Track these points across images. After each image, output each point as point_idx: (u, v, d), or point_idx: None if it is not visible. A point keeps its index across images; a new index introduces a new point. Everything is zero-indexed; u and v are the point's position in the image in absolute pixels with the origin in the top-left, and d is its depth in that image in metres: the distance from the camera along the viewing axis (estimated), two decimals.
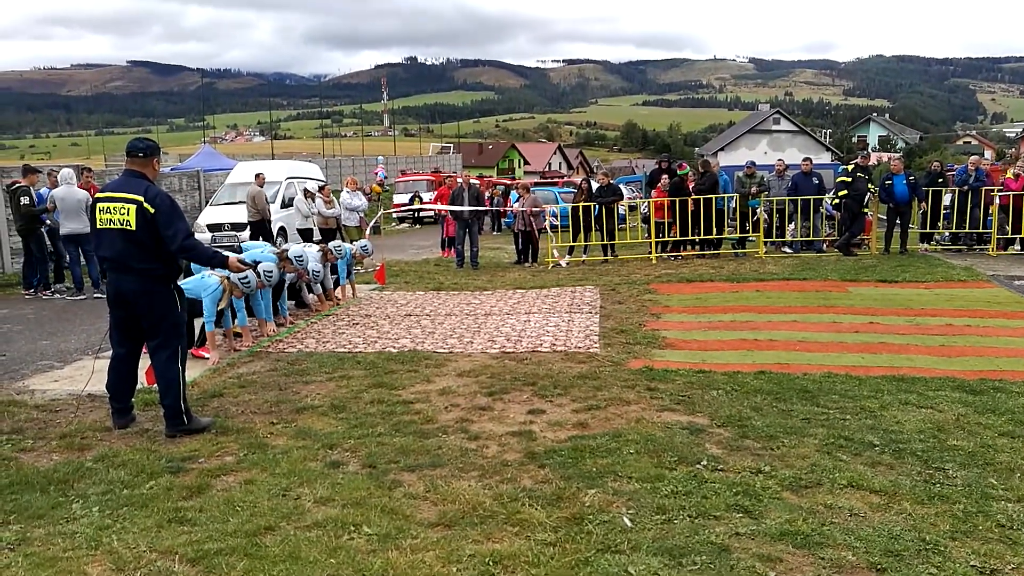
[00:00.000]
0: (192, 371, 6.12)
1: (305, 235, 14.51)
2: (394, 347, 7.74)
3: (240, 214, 17.08)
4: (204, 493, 4.22)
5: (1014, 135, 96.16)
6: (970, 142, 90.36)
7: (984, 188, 13.53)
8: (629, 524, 3.76)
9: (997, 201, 13.28)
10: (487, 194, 18.75)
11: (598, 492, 4.12)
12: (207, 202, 19.46)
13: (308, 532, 3.72)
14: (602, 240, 14.32)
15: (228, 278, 7.16)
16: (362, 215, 16.14)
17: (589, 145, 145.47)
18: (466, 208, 14.02)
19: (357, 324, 8.95)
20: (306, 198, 14.64)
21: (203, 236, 15.42)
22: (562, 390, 6.09)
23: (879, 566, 3.35)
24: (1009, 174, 13.82)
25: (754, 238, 14.12)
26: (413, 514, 3.92)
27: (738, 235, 14.29)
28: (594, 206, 14.22)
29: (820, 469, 4.41)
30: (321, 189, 15.51)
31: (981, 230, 13.74)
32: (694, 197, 13.53)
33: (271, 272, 7.73)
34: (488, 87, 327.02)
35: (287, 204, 17.08)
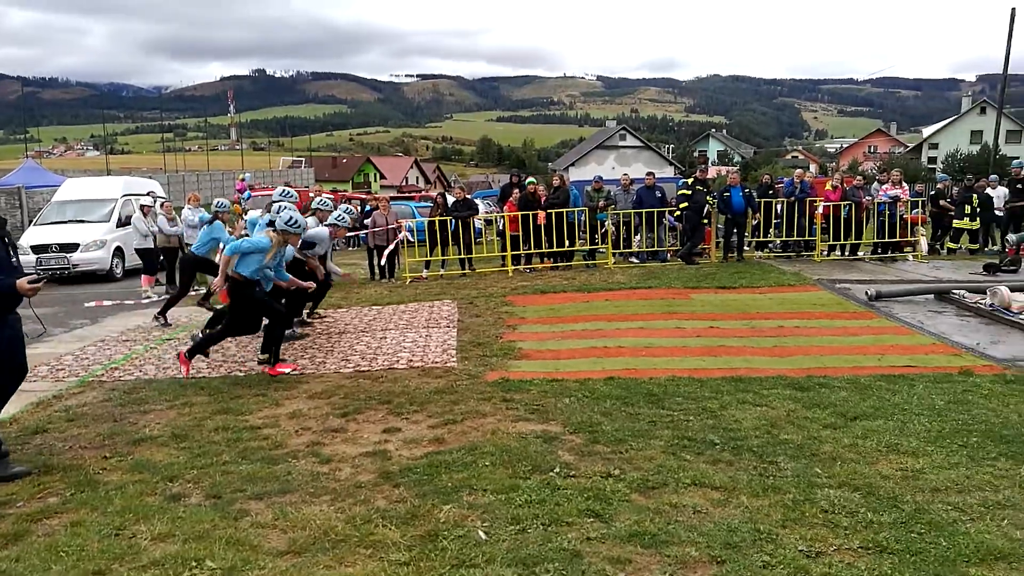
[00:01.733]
0: (13, 406, 5.61)
1: (145, 255, 13.66)
2: (241, 370, 7.41)
3: (70, 234, 15.90)
4: (22, 540, 3.86)
5: (834, 150, 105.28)
6: (797, 156, 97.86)
7: (808, 199, 14.65)
8: (484, 537, 3.76)
9: (820, 210, 14.43)
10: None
11: (453, 507, 4.10)
12: (30, 221, 17.96)
13: (144, 572, 3.48)
14: (459, 254, 14.37)
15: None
16: None
17: (446, 159, 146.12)
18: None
19: None
20: (145, 215, 13.78)
21: (27, 258, 14.17)
22: (418, 406, 6.03)
23: (719, 559, 3.53)
24: (828, 186, 15.08)
25: (603, 250, 14.60)
26: (261, 544, 3.75)
27: (588, 247, 14.74)
28: (450, 220, 14.26)
29: (666, 470, 4.60)
30: (161, 205, 14.66)
31: (807, 237, 14.86)
32: (546, 211, 13.85)
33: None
34: (341, 100, 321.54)
35: (123, 223, 16.05)
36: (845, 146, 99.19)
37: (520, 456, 4.83)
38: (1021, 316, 8.83)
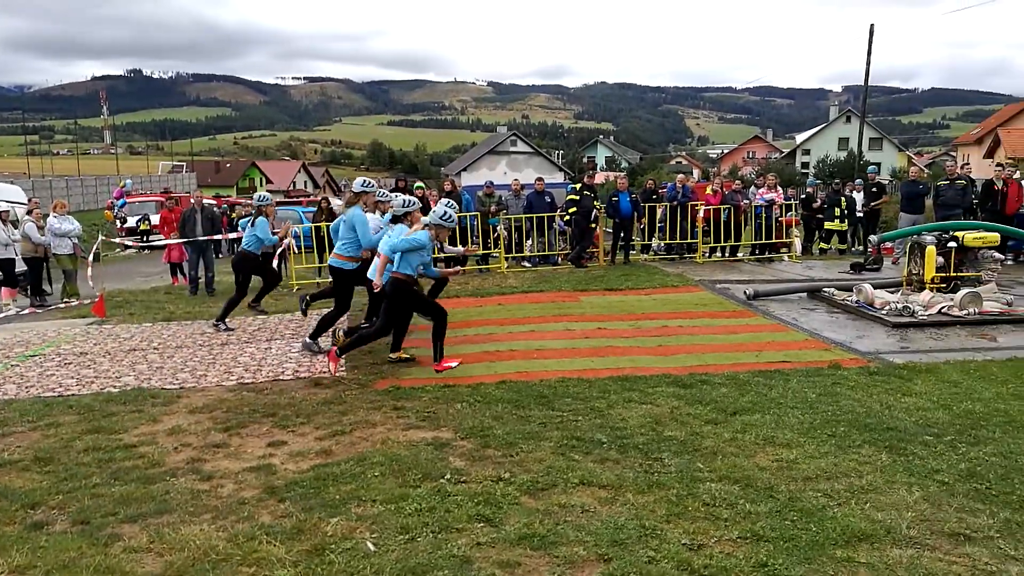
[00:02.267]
0: None
1: (5, 266, 12.74)
2: (115, 386, 7.01)
3: None
4: None
5: (716, 155, 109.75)
6: (681, 162, 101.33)
7: (690, 203, 15.20)
8: (372, 548, 3.70)
9: (701, 214, 15.01)
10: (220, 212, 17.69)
11: (341, 520, 4.01)
12: None
13: None
14: None
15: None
16: (75, 241, 14.50)
17: (335, 163, 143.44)
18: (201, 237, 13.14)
19: (70, 364, 8.01)
20: (4, 223, 12.86)
21: None
22: (305, 418, 5.88)
23: (606, 556, 3.60)
24: (708, 190, 15.71)
25: (496, 254, 14.68)
26: (134, 569, 3.56)
27: (481, 252, 14.79)
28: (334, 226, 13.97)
29: (555, 470, 4.66)
30: (29, 212, 13.73)
31: (690, 240, 15.41)
32: None
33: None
34: (224, 103, 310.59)
35: None
36: (726, 152, 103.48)
37: (410, 464, 4.78)
38: (883, 312, 9.44)
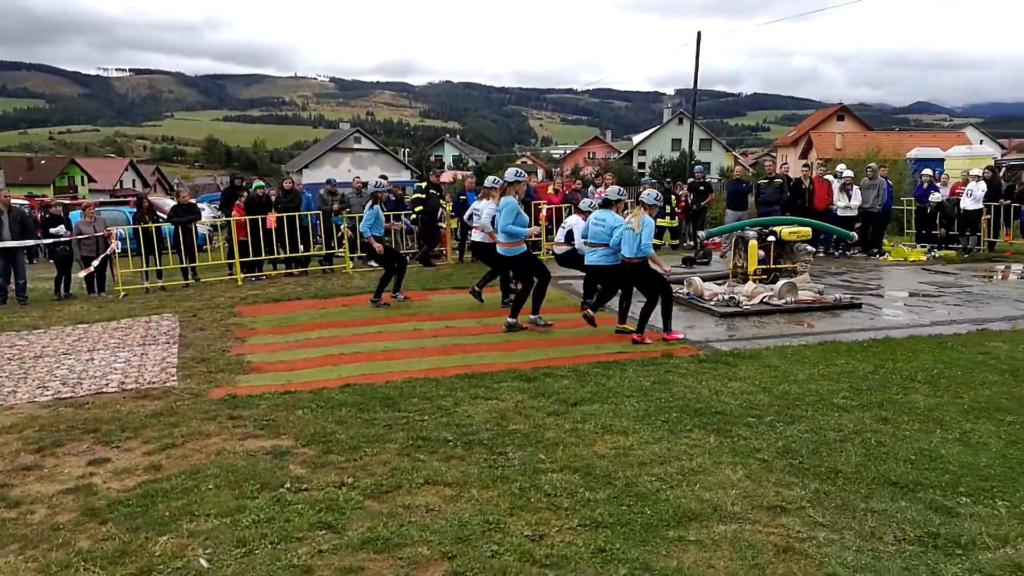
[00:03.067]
0: None
1: None
2: None
3: None
4: None
5: (559, 155, 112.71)
6: (527, 161, 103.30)
7: (533, 202, 15.52)
8: (205, 565, 3.51)
9: (544, 212, 15.37)
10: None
11: (171, 538, 3.78)
12: None
13: None
14: (181, 263, 13.35)
15: None
16: None
17: (167, 161, 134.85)
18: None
19: None
20: None
21: None
22: (132, 432, 5.50)
23: (450, 554, 3.60)
24: (550, 190, 16.12)
25: (341, 254, 14.38)
26: None
27: (325, 252, 14.44)
28: (169, 226, 13.19)
29: (400, 472, 4.61)
30: None
31: (535, 238, 15.73)
32: (276, 215, 13.33)
33: None
34: (37, 94, 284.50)
35: None
36: (568, 152, 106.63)
37: (247, 475, 4.58)
38: (712, 303, 10.04)
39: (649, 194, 8.70)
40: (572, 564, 3.51)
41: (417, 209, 14.22)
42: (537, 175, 49.49)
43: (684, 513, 4.00)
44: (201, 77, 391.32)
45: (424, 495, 4.30)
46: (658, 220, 17.72)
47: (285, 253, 13.64)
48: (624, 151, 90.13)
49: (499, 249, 9.00)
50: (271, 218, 13.21)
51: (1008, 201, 15.35)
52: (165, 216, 13.66)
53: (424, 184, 14.78)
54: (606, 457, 4.84)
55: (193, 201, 15.36)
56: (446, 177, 43.56)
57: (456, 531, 3.82)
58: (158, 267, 13.04)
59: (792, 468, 4.62)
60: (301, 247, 13.80)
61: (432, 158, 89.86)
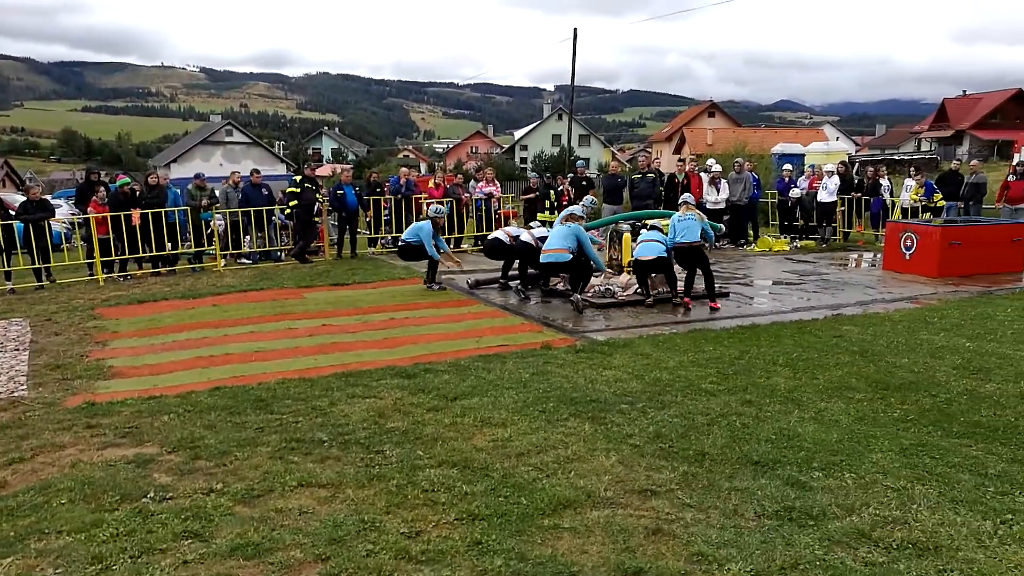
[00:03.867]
0: None
1: None
2: None
3: None
4: None
5: (442, 149, 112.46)
6: (408, 155, 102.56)
7: (414, 196, 15.42)
8: None
9: (425, 207, 15.27)
10: None
11: (16, 559, 3.52)
12: None
13: None
14: (32, 263, 12.43)
15: None
16: None
17: (18, 154, 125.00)
18: None
19: None
20: None
21: None
22: None
23: (324, 556, 3.53)
24: (431, 184, 16.06)
25: (212, 251, 13.80)
26: None
27: (194, 249, 13.81)
28: (17, 224, 12.25)
29: (272, 475, 4.47)
30: None
31: None
32: (141, 211, 12.63)
33: None
34: None
35: None
36: (451, 146, 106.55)
37: (106, 487, 4.32)
38: (589, 294, 10.26)
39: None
40: (448, 558, 3.51)
41: (292, 204, 13.82)
42: (420, 169, 49.20)
43: (559, 501, 4.07)
44: (55, 64, 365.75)
45: (297, 498, 4.18)
46: (539, 215, 18.05)
47: (151, 251, 12.95)
48: (506, 146, 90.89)
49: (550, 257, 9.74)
50: (135, 215, 12.51)
51: (859, 194, 16.47)
52: (13, 213, 12.65)
53: (299, 178, 14.37)
54: (484, 450, 4.86)
55: (46, 197, 14.36)
56: (325, 171, 42.56)
57: (330, 532, 3.74)
58: (6, 268, 12.10)
59: (662, 452, 4.79)
60: (168, 245, 13.15)
61: (310, 151, 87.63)
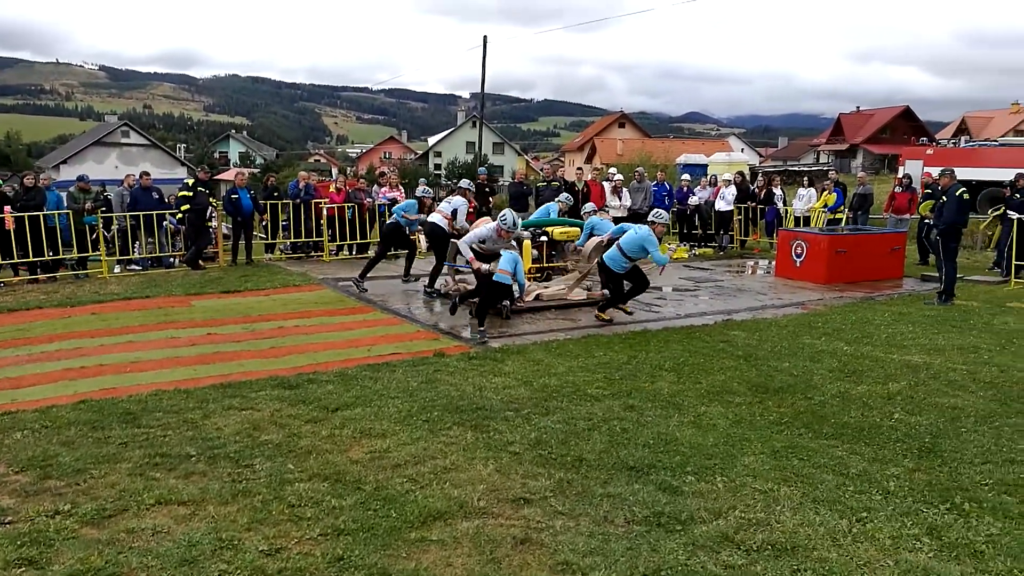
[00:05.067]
0: None
1: None
2: None
3: None
4: None
5: (355, 155, 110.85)
6: (320, 160, 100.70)
7: (314, 201, 15.05)
8: None
9: (325, 213, 14.95)
10: None
11: None
12: None
13: None
14: None
15: None
16: None
17: None
18: None
19: None
20: None
21: None
22: None
23: None
24: (332, 188, 15.72)
25: (98, 257, 13.11)
26: None
27: (77, 255, 13.09)
28: None
29: (129, 494, 4.22)
30: None
31: (316, 238, 15.26)
32: (13, 215, 11.88)
33: None
34: None
35: None
36: (364, 151, 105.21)
37: None
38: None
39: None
40: None
41: (184, 208, 13.27)
42: (331, 174, 48.31)
43: (430, 513, 3.98)
44: None
45: (153, 517, 3.95)
46: None
47: (28, 257, 12.20)
48: (420, 152, 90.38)
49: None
50: (8, 218, 11.75)
51: (754, 203, 17.03)
52: None
53: (191, 181, 13.82)
54: (360, 462, 4.73)
55: None
56: (230, 175, 41.25)
57: (183, 553, 3.54)
58: None
59: (541, 459, 4.76)
60: (50, 252, 12.41)
61: (216, 155, 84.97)
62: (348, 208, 15.19)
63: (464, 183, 12.24)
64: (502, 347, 7.88)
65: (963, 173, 14.83)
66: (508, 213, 9.66)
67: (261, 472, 4.55)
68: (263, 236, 15.34)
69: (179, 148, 74.66)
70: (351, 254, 15.60)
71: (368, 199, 15.73)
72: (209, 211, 13.60)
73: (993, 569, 3.37)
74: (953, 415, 5.61)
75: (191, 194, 13.31)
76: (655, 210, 9.77)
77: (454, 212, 11.21)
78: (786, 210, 17.35)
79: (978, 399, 6.01)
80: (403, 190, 17.16)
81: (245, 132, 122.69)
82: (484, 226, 10.24)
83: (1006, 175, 21.10)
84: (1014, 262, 12.45)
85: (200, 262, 13.42)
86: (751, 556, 3.53)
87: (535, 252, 11.36)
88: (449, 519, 3.93)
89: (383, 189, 16.35)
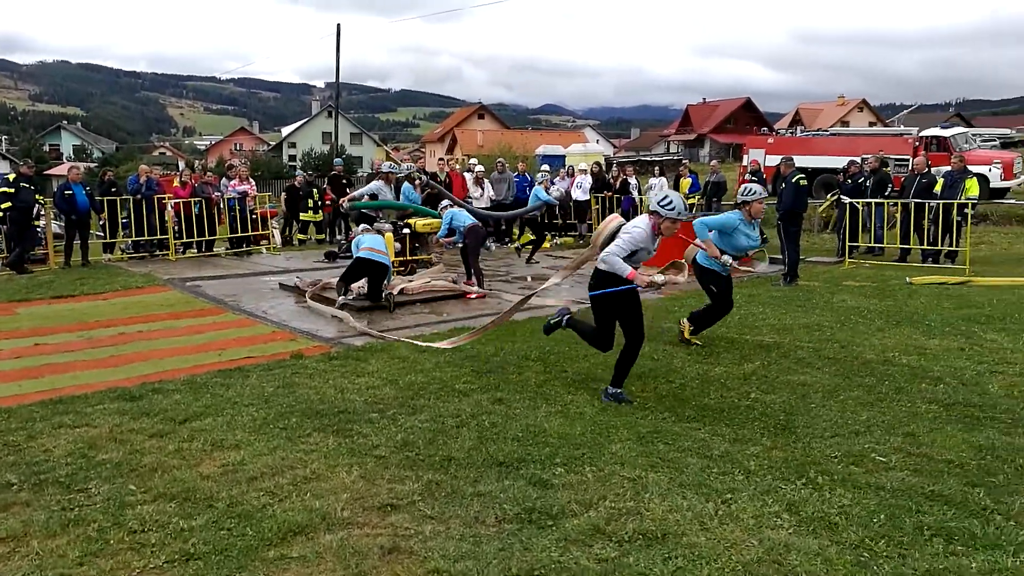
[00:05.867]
0: None
1: None
2: None
3: None
4: None
5: (203, 147, 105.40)
6: (165, 152, 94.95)
7: (157, 196, 14.07)
8: None
9: (170, 208, 14.02)
10: None
11: None
12: None
13: None
14: None
15: None
16: None
17: None
18: None
19: None
20: None
21: None
22: None
23: None
24: (176, 183, 14.78)
25: None
26: None
27: None
28: None
29: None
30: None
31: (160, 236, 14.28)
32: None
33: None
34: None
35: None
36: (213, 143, 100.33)
37: None
38: (349, 297, 9.85)
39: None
40: None
41: (4, 206, 12.03)
42: (178, 167, 45.62)
43: (289, 527, 3.72)
44: None
45: None
46: (301, 215, 17.32)
47: None
48: (274, 143, 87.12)
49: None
50: None
51: (611, 193, 17.44)
52: None
53: (13, 176, 12.57)
54: (211, 477, 4.37)
55: None
56: (62, 170, 38.07)
57: None
58: None
59: (408, 461, 4.58)
60: None
61: (46, 148, 78.42)
62: (195, 203, 14.31)
63: (386, 166, 12.87)
64: (365, 345, 7.60)
65: (801, 161, 15.82)
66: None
67: (97, 496, 4.11)
68: (101, 235, 14.20)
69: (1, 141, 68.40)
70: (200, 252, 14.74)
71: (216, 193, 14.88)
72: (36, 209, 12.42)
73: (847, 540, 3.51)
74: (803, 392, 5.88)
75: (13, 191, 12.10)
76: (745, 186, 7.66)
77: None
78: (641, 199, 17.89)
79: (824, 375, 6.34)
80: (254, 183, 16.37)
81: (79, 123, 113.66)
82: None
83: (837, 162, 22.77)
84: (847, 243, 13.38)
85: (26, 265, 12.23)
86: (623, 547, 3.50)
87: (398, 245, 11.10)
88: (311, 533, 3.68)
89: (232, 182, 15.51)
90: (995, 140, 29.86)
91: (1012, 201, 18.00)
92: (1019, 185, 21.50)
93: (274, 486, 4.24)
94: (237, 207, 14.87)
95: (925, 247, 12.92)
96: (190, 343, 7.85)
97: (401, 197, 12.50)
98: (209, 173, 16.61)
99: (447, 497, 4.08)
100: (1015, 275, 11.12)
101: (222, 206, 14.92)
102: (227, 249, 15.14)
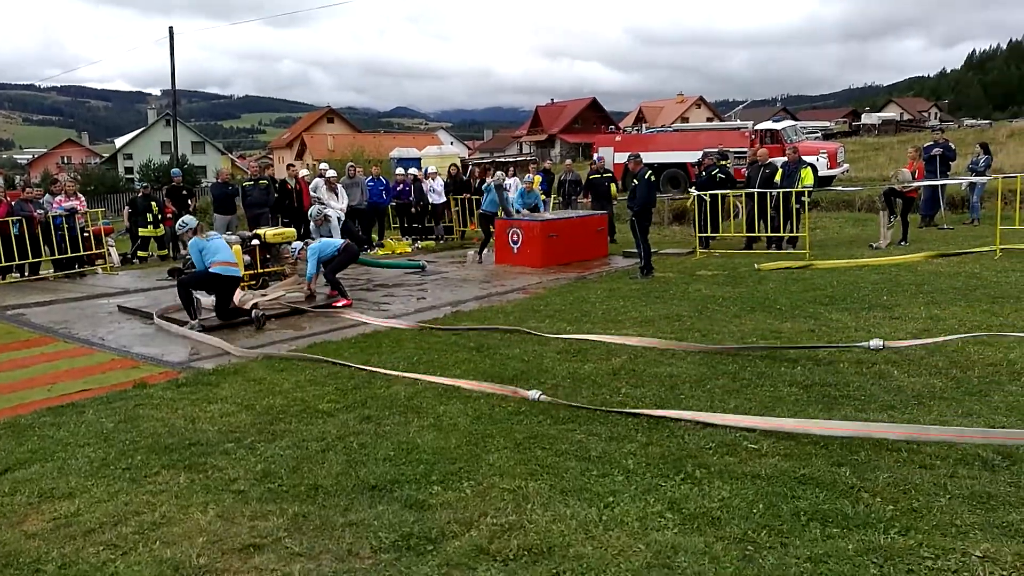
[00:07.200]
0: None
1: None
2: None
3: None
4: None
5: (25, 161, 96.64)
6: None
7: None
8: None
9: None
10: None
11: None
12: None
13: None
14: None
15: None
16: None
17: None
18: None
19: None
20: None
21: None
22: None
23: None
24: None
25: None
26: None
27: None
28: None
29: None
30: None
31: None
32: None
33: None
34: None
35: None
36: (36, 156, 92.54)
37: None
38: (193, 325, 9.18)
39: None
40: None
41: None
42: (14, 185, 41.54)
43: None
44: None
45: None
46: (140, 230, 16.13)
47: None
48: (107, 155, 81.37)
49: None
50: None
51: (469, 195, 17.34)
52: None
53: None
54: (39, 535, 3.83)
55: None
56: None
57: None
58: None
59: (271, 494, 4.21)
60: None
61: None
62: (14, 223, 12.94)
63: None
64: (216, 368, 7.06)
65: (648, 157, 16.32)
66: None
67: None
68: None
69: None
70: (23, 276, 13.38)
71: (39, 211, 13.54)
72: None
73: (731, 534, 3.49)
74: (671, 383, 5.93)
75: None
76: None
77: None
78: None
79: (689, 365, 6.44)
80: (83, 197, 15.05)
81: None
82: None
83: (682, 157, 23.74)
84: (697, 234, 13.90)
85: None
86: (509, 566, 3.32)
87: (247, 258, 10.47)
88: None
89: (58, 198, 14.17)
90: (817, 132, 32.18)
91: (839, 188, 19.40)
92: (843, 173, 23.24)
93: (116, 537, 3.77)
94: (65, 225, 13.58)
95: (770, 234, 13.61)
96: (12, 379, 7.01)
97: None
98: (30, 189, 15.07)
99: (316, 530, 3.76)
100: (849, 257, 11.90)
101: (49, 224, 13.58)
102: (55, 272, 13.82)
